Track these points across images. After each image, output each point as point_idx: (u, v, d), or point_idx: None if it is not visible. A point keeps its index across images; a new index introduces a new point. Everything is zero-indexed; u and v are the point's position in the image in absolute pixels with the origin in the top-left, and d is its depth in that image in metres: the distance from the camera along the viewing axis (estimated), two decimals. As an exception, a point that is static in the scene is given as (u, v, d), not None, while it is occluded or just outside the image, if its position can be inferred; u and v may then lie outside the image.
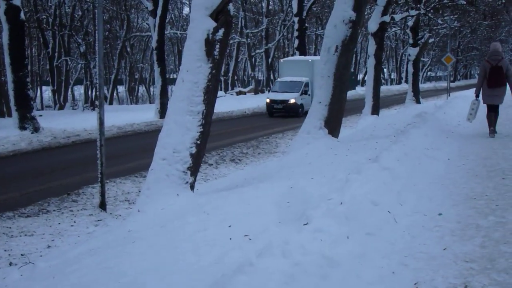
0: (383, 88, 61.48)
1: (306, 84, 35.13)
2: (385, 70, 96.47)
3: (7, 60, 25.83)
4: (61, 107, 50.44)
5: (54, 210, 13.64)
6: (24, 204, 14.16)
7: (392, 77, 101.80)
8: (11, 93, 25.88)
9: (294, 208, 8.30)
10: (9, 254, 10.56)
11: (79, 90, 69.33)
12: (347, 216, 7.34)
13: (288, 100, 33.99)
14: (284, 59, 39.29)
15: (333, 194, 8.16)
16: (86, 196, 15.02)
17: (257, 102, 42.28)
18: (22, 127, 25.17)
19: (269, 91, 68.81)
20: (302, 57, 39.02)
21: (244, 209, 8.60)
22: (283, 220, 7.77)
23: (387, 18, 27.50)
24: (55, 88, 52.37)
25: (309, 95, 34.68)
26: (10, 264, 9.94)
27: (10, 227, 12.25)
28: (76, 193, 15.25)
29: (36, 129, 25.34)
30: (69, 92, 58.26)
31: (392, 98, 56.61)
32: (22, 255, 10.50)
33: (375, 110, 27.60)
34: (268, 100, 34.76)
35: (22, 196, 15.26)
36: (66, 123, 29.38)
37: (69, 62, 56.79)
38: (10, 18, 25.28)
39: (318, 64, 34.41)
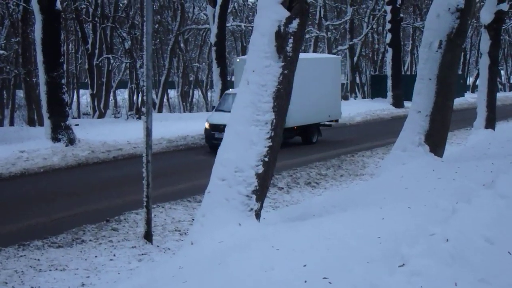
0: (500, 95, 60.28)
1: None
2: (502, 72, 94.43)
3: (39, 57, 26.67)
4: (101, 115, 51.72)
5: (90, 240, 13.91)
6: (55, 232, 14.50)
7: (511, 81, 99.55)
8: (43, 97, 26.69)
9: (386, 244, 8.15)
10: (36, 292, 10.83)
11: (122, 95, 70.89)
12: (453, 256, 7.15)
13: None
14: (240, 57, 31.98)
15: (435, 227, 7.97)
16: (129, 223, 15.26)
17: (339, 110, 42.27)
18: (55, 138, 25.88)
19: (351, 96, 68.40)
20: None
21: (322, 244, 8.51)
22: (372, 259, 7.64)
23: (505, 6, 26.88)
24: (94, 92, 53.79)
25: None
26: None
27: (38, 259, 12.56)
28: (116, 220, 15.52)
29: (71, 141, 26.02)
30: (111, 97, 59.69)
31: (511, 107, 55.30)
32: (51, 293, 10.73)
33: (490, 123, 26.98)
34: (207, 125, 27.09)
35: (53, 222, 15.65)
36: (106, 134, 30.04)
37: (112, 61, 58.26)
38: (44, 7, 26.15)
39: (317, 65, 30.27)
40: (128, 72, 59.43)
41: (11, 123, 49.43)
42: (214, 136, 26.16)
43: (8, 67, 41.58)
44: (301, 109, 28.04)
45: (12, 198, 18.42)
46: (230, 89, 31.26)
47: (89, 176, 21.61)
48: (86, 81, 62.01)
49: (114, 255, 12.84)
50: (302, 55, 33.42)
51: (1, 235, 14.58)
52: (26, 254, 12.94)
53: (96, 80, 53.39)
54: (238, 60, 30.76)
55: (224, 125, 29.76)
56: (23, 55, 43.39)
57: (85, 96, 64.12)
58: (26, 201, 17.94)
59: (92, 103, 55.39)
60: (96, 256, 12.79)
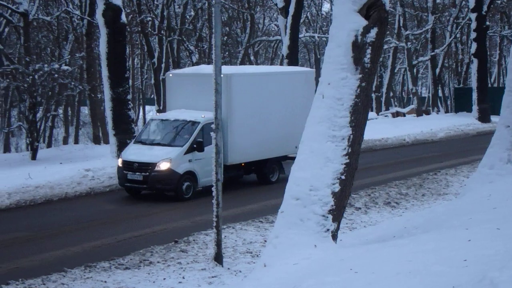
0: None
1: (205, 128, 21.59)
2: None
3: (104, 72, 27.29)
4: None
5: (158, 262, 14.14)
6: (122, 253, 14.80)
7: None
8: (108, 113, 27.27)
9: (473, 268, 8.04)
10: (103, 315, 11.05)
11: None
12: (548, 282, 6.98)
13: (154, 164, 21.18)
14: (174, 71, 27.95)
15: (527, 250, 7.82)
16: (198, 245, 15.44)
17: (420, 126, 41.73)
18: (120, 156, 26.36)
19: (433, 111, 67.44)
20: (210, 69, 20.71)
21: (403, 268, 8.45)
22: (458, 284, 7.55)
23: None
24: (161, 108, 54.49)
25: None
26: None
27: (105, 281, 12.84)
28: (185, 241, 15.74)
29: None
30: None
31: None
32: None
33: None
34: (119, 162, 22.27)
35: (120, 243, 15.97)
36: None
37: (179, 76, 59.01)
38: (109, 21, 26.79)
39: (247, 81, 23.20)
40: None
41: (76, 141, 50.54)
42: (127, 177, 21.43)
43: (72, 83, 42.53)
44: (254, 140, 23.02)
45: (78, 218, 18.85)
46: (157, 113, 27.09)
47: (156, 194, 21.92)
48: (152, 96, 62.95)
49: (183, 278, 13.01)
50: (257, 68, 29.43)
51: (67, 256, 14.96)
52: (93, 276, 13.25)
53: (162, 96, 54.12)
54: (171, 75, 24.63)
55: (136, 162, 21.35)
56: (87, 71, 44.45)
57: (151, 112, 65.00)
58: (92, 222, 18.35)
59: (159, 120, 56.08)
60: (164, 279, 12.99)
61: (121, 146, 26.48)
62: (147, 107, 65.86)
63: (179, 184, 21.03)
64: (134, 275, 13.26)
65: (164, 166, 20.96)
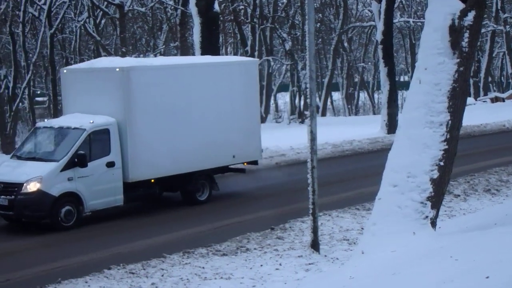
0: None
1: (93, 137, 17.88)
2: None
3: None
4: (262, 120, 52.59)
5: (255, 249, 14.32)
6: (219, 240, 15.06)
7: None
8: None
9: None
10: (199, 301, 11.29)
11: (283, 98, 71.86)
12: None
13: (21, 185, 17.02)
14: (68, 67, 23.12)
15: None
16: (294, 232, 15.55)
17: (521, 111, 40.72)
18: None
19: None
20: (105, 63, 19.82)
21: (506, 256, 8.32)
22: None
23: None
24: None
25: (110, 165, 17.87)
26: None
27: (203, 267, 13.11)
28: (281, 228, 15.87)
29: (232, 147, 26.73)
30: (272, 101, 60.66)
31: None
32: (216, 302, 11.17)
33: None
34: None
35: (217, 230, 16.26)
36: (268, 139, 30.53)
37: (272, 63, 59.25)
38: (202, 10, 27.13)
39: (154, 76, 18.65)
40: (289, 74, 60.21)
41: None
42: None
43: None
44: (167, 149, 18.78)
45: (172, 206, 19.40)
46: (45, 120, 22.25)
47: (250, 183, 22.14)
48: (245, 85, 63.21)
49: (280, 264, 13.14)
50: (170, 60, 23.49)
51: (166, 242, 15.34)
52: (191, 262, 13.53)
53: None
54: (65, 71, 20.28)
55: (6, 184, 17.16)
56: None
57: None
58: (186, 209, 18.86)
59: (252, 108, 56.41)
60: (261, 265, 13.15)
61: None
62: (241, 96, 66.16)
63: (54, 210, 16.77)
64: (231, 262, 13.48)
65: (32, 187, 16.73)
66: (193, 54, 32.44)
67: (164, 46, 49.87)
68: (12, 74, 42.89)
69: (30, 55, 47.16)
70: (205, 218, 17.57)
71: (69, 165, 17.11)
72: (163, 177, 18.78)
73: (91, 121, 17.63)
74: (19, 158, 18.16)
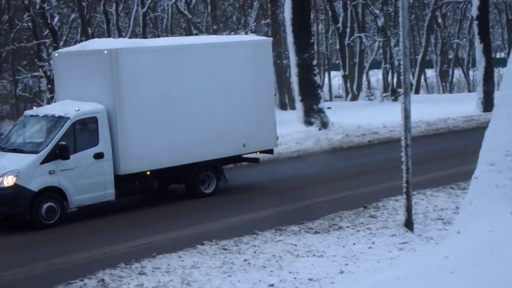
0: None
1: (78, 126, 16.75)
2: None
3: (289, 38, 27.72)
4: (354, 97, 52.23)
5: (347, 227, 14.28)
6: (311, 217, 15.08)
7: None
8: (294, 79, 27.69)
9: None
10: (295, 278, 11.36)
11: (376, 76, 71.07)
12: None
13: None
14: (60, 50, 21.95)
15: None
16: (388, 211, 15.42)
17: None
18: (308, 122, 26.72)
19: None
20: (96, 45, 18.40)
21: None
22: None
23: None
24: (346, 73, 54.47)
25: (98, 156, 16.60)
26: (296, 289, 10.68)
27: (295, 245, 13.16)
28: (374, 207, 15.77)
29: (324, 125, 26.70)
30: (364, 78, 60.10)
31: None
32: (309, 279, 11.19)
33: None
34: None
35: (309, 207, 16.29)
36: (360, 117, 30.48)
37: (364, 40, 58.64)
38: (294, -13, 27.05)
39: (147, 59, 17.34)
40: (381, 51, 59.48)
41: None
42: None
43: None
44: (164, 139, 17.46)
45: (265, 183, 19.57)
46: (34, 107, 20.65)
47: (343, 160, 22.12)
48: (337, 62, 62.96)
49: (373, 243, 13.07)
50: (167, 41, 21.73)
51: (258, 219, 15.47)
52: (283, 239, 13.60)
53: (348, 61, 54.02)
54: (56, 54, 19.46)
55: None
56: (273, 37, 45.06)
57: (336, 78, 65.12)
58: (279, 187, 18.85)
59: (344, 85, 56.13)
60: (354, 244, 13.10)
61: (308, 112, 26.84)
62: (332, 73, 66.02)
63: (33, 206, 15.58)
64: (323, 239, 13.48)
65: (8, 181, 15.58)
66: (284, 32, 32.42)
67: (254, 24, 49.90)
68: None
69: (124, 33, 47.97)
70: (296, 195, 17.60)
71: (50, 157, 15.84)
72: (161, 169, 17.39)
73: (77, 109, 16.40)
74: (2, 149, 16.88)
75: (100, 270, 12.02)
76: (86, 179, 16.25)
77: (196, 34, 38.71)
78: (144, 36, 44.32)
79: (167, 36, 48.99)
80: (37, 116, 17.25)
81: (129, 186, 17.21)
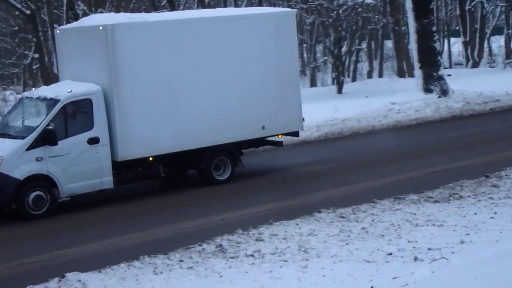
0: None
1: (69, 109, 15.59)
2: None
3: (408, 4, 27.23)
4: (475, 64, 50.92)
5: (468, 196, 13.94)
6: (430, 186, 14.79)
7: None
8: (413, 46, 27.20)
9: None
10: (414, 247, 11.17)
11: (498, 42, 69.10)
12: None
13: None
14: (62, 27, 20.62)
15: None
16: (511, 180, 14.96)
17: None
18: (427, 90, 26.20)
19: None
20: (94, 21, 16.73)
21: None
22: None
23: None
24: (467, 39, 53.15)
25: (92, 141, 15.37)
26: (416, 259, 10.50)
27: (414, 213, 12.95)
28: (497, 176, 15.32)
29: (444, 92, 26.14)
30: (485, 45, 58.45)
31: None
32: (429, 249, 10.99)
33: None
34: None
35: (428, 176, 16.02)
36: (481, 84, 29.62)
37: (485, 5, 56.98)
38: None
39: (146, 35, 15.97)
40: (503, 16, 57.67)
41: (380, 75, 51.06)
42: None
43: (376, 16, 42.86)
44: (169, 122, 16.15)
45: (385, 150, 19.25)
46: (33, 89, 19.31)
47: (464, 129, 21.62)
48: (457, 28, 61.50)
49: (495, 213, 12.69)
50: (187, 14, 19.54)
51: (376, 188, 15.37)
52: (402, 208, 13.41)
53: (468, 27, 52.69)
54: (58, 31, 18.07)
55: None
56: (391, 3, 44.31)
57: (456, 44, 63.55)
58: (398, 155, 18.62)
59: (465, 52, 54.84)
60: (475, 213, 12.77)
61: (427, 79, 26.34)
62: (452, 39, 64.47)
63: (19, 196, 14.56)
64: (443, 209, 13.20)
65: None
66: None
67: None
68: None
69: (240, 2, 48.28)
70: (416, 164, 17.36)
71: (37, 143, 14.72)
72: (166, 155, 16.12)
73: (69, 90, 15.27)
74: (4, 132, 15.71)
75: (218, 235, 12.19)
76: (79, 166, 15.07)
77: (313, 1, 38.59)
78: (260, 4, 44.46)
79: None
80: (31, 98, 16.19)
81: (131, 173, 16.03)
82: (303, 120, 18.03)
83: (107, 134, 15.33)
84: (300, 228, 12.48)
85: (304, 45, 58.44)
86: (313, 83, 49.65)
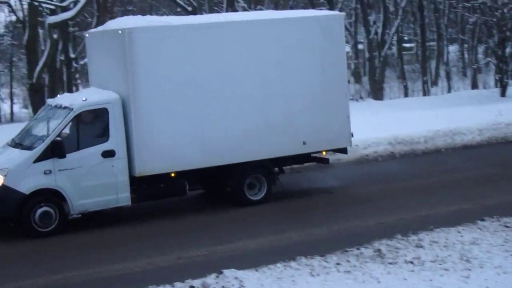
0: None
1: (83, 119, 14.55)
2: None
3: None
4: None
5: None
6: None
7: None
8: None
9: None
10: None
11: None
12: None
13: None
14: (90, 31, 18.13)
15: None
16: None
17: None
18: None
19: None
20: (117, 25, 15.44)
21: None
22: None
23: None
24: None
25: (107, 155, 14.26)
26: None
27: None
28: None
29: None
30: None
31: None
32: None
33: None
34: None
35: None
36: None
37: None
38: None
39: (169, 40, 14.64)
40: None
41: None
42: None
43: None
44: (196, 133, 14.80)
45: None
46: (58, 95, 17.58)
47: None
48: None
49: None
50: (220, 18, 17.48)
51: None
52: None
53: None
54: (87, 35, 17.05)
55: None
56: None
57: None
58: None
59: None
60: None
61: None
62: None
63: (24, 211, 13.61)
64: None
65: None
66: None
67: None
68: (381, 20, 43.40)
69: (399, 0, 47.37)
70: None
71: (46, 155, 13.77)
72: (190, 171, 14.84)
73: (84, 99, 14.33)
74: (11, 144, 14.85)
75: (376, 240, 11.97)
76: (92, 181, 14.04)
77: (476, 0, 37.45)
78: (420, 3, 43.32)
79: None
80: (51, 105, 15.21)
81: (152, 189, 14.81)
82: (352, 135, 16.29)
83: (124, 146, 14.25)
84: (462, 236, 12.05)
85: (466, 46, 56.84)
86: (474, 85, 48.15)
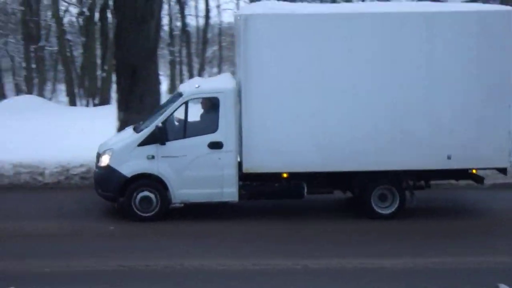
0: None
1: (192, 106, 14.24)
2: None
3: None
4: None
5: None
6: None
7: None
8: None
9: None
10: None
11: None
12: None
13: (99, 157, 14.36)
14: (236, 13, 18.76)
15: None
16: None
17: None
18: None
19: None
20: (244, 11, 15.15)
21: None
22: None
23: None
24: None
25: (214, 146, 13.58)
26: None
27: None
28: None
29: None
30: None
31: None
32: None
33: None
34: (106, 159, 14.19)
35: None
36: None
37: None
38: None
39: (292, 29, 13.37)
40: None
41: None
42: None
43: None
44: (315, 132, 13.49)
45: None
46: (188, 80, 17.45)
47: None
48: None
49: None
50: (358, 8, 15.60)
51: None
52: None
53: None
54: (238, 17, 14.66)
55: (98, 155, 14.13)
56: None
57: None
58: None
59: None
60: None
61: None
62: None
63: (127, 194, 13.63)
64: None
65: (104, 161, 13.92)
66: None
67: None
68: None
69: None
70: None
71: (151, 140, 13.49)
72: (307, 173, 13.66)
73: (197, 86, 13.91)
74: (135, 126, 14.66)
75: None
76: (195, 171, 13.47)
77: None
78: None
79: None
80: (176, 92, 15.16)
81: (264, 188, 13.94)
82: (511, 154, 13.72)
83: (233, 139, 13.49)
84: None
85: None
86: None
